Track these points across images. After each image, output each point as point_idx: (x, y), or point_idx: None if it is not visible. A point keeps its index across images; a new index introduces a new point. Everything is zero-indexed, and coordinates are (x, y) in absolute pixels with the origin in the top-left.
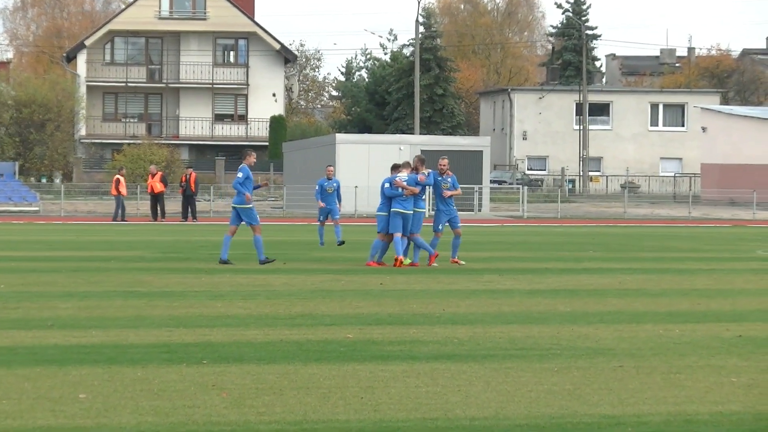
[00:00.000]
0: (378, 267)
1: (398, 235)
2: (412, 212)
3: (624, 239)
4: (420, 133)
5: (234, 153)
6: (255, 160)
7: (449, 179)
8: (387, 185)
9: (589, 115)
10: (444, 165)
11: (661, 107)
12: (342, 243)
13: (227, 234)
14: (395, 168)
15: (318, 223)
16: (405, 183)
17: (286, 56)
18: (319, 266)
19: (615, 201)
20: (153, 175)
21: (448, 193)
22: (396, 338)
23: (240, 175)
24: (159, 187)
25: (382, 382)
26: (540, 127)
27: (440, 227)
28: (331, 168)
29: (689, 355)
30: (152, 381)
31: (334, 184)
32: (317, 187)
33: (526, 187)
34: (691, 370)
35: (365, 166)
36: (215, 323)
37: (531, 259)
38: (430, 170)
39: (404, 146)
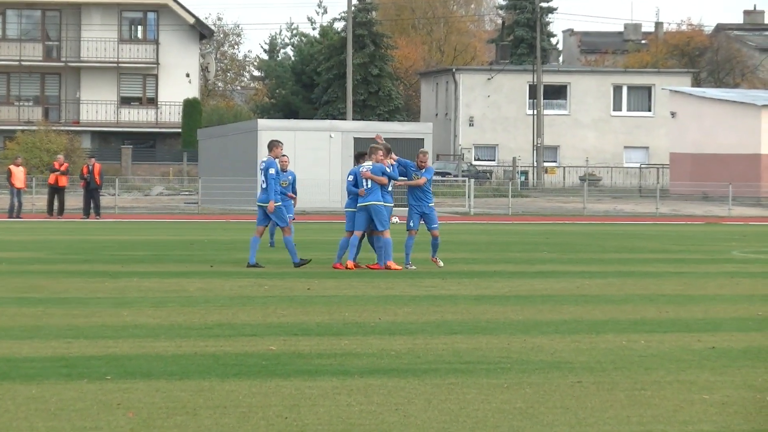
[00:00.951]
0: (345, 270)
1: (358, 233)
2: (381, 204)
3: (583, 238)
4: (353, 119)
5: (142, 141)
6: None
7: (423, 173)
8: (351, 178)
9: (544, 99)
10: (424, 161)
11: (624, 90)
12: (272, 245)
13: (255, 235)
14: (360, 157)
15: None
16: (370, 173)
17: (201, 31)
18: (239, 269)
19: (573, 195)
20: (61, 165)
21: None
22: (325, 350)
23: (272, 171)
24: (64, 180)
25: (309, 400)
26: (489, 111)
27: (412, 224)
28: (286, 158)
29: (656, 369)
30: (49, 399)
31: (289, 177)
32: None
33: (473, 180)
34: (658, 386)
35: (291, 155)
36: (121, 334)
37: (478, 261)
38: (396, 160)
39: (335, 133)
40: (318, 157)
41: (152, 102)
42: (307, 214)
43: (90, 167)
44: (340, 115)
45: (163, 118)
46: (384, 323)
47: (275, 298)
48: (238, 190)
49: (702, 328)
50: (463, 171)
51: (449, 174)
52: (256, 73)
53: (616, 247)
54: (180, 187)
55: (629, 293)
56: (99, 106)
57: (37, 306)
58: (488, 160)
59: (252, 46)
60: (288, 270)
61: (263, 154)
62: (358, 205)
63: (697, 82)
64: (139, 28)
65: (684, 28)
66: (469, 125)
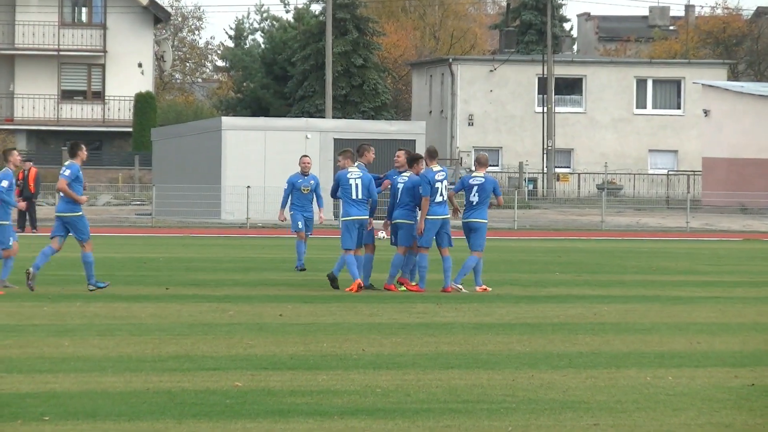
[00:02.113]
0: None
1: (351, 253)
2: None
3: (601, 257)
4: (333, 117)
5: (87, 141)
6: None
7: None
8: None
9: (555, 94)
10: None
11: (650, 84)
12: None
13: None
14: (358, 154)
15: (295, 236)
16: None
17: (156, 14)
18: (201, 291)
19: (590, 207)
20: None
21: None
22: (300, 387)
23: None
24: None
25: None
26: (491, 109)
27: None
28: (308, 159)
29: (685, 409)
30: None
31: (311, 182)
32: (287, 186)
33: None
34: (688, 430)
35: (260, 159)
36: (61, 367)
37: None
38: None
39: (312, 134)
40: (292, 161)
41: (98, 96)
42: (282, 228)
43: (25, 172)
44: (318, 113)
45: (111, 115)
46: (368, 355)
47: (242, 325)
48: (198, 200)
49: (739, 362)
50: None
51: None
52: (220, 63)
53: (639, 268)
54: (131, 196)
55: (655, 321)
56: (36, 101)
57: None
58: (491, 166)
59: (215, 32)
60: (258, 293)
61: (228, 156)
62: (350, 218)
63: (734, 75)
64: (83, 10)
65: (719, 12)
66: (469, 125)
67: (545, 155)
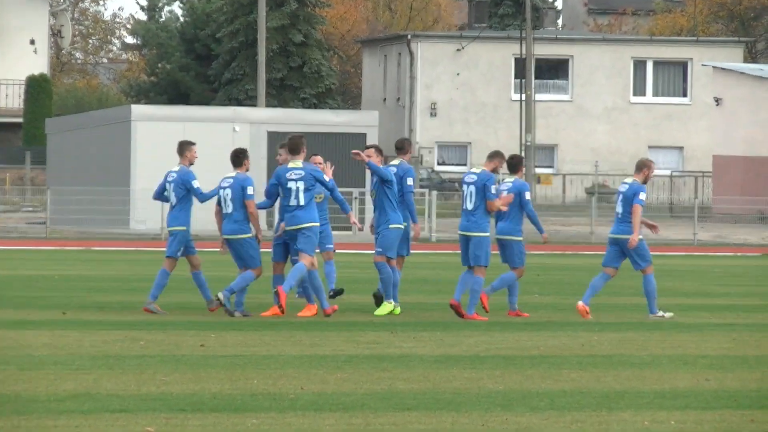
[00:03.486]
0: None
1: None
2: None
3: (590, 276)
4: (267, 105)
5: None
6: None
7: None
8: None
9: (536, 79)
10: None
11: (650, 66)
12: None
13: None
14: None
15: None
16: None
17: None
18: (105, 317)
19: (577, 214)
20: None
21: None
22: None
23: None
24: None
25: None
26: (458, 96)
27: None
28: (319, 158)
29: None
30: None
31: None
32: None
33: (434, 193)
34: None
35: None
36: None
37: (442, 306)
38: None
39: (242, 125)
40: (217, 158)
41: None
42: (202, 240)
43: None
44: (249, 100)
45: None
46: (308, 394)
47: (155, 358)
48: (103, 206)
49: (756, 404)
50: (421, 180)
51: None
52: (130, 39)
53: (636, 289)
54: (20, 201)
55: (654, 353)
56: None
57: None
58: (457, 165)
59: (124, 2)
60: (174, 318)
61: (139, 152)
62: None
63: (751, 56)
64: None
65: None
66: (431, 115)
67: (523, 152)
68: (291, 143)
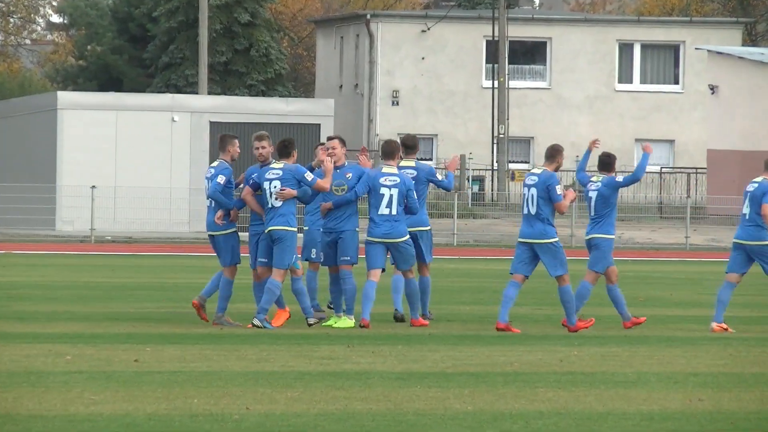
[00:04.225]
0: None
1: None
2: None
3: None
4: (210, 92)
5: None
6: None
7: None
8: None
9: (510, 64)
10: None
11: (637, 50)
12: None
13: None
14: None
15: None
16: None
17: None
18: (27, 328)
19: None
20: None
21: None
22: None
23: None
24: None
25: None
26: (423, 83)
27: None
28: (335, 144)
29: None
30: None
31: (349, 175)
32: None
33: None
34: None
35: (111, 147)
36: None
37: (404, 317)
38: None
39: (181, 115)
40: (154, 152)
41: None
42: (137, 243)
43: None
44: (189, 87)
45: None
46: (254, 415)
47: (83, 374)
48: (25, 205)
49: (755, 426)
50: None
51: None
52: (56, 18)
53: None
54: None
55: (641, 371)
56: None
57: None
58: (422, 160)
59: None
60: (105, 330)
61: (66, 145)
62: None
63: (750, 39)
64: None
65: None
66: (393, 104)
67: (496, 146)
68: (280, 146)
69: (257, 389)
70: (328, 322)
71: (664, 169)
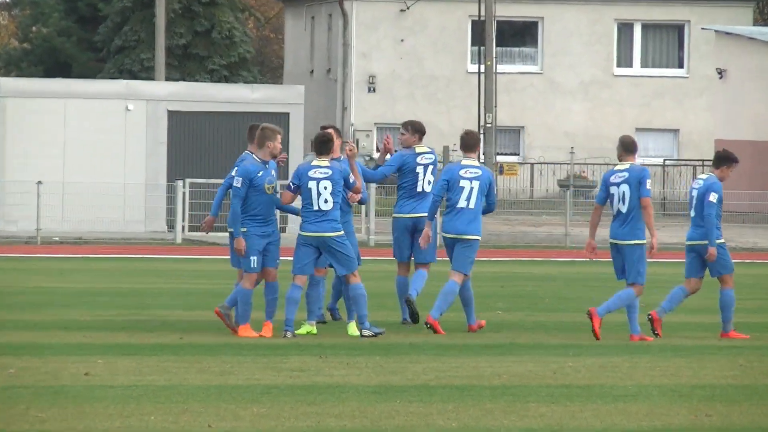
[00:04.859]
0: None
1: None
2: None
3: (565, 287)
4: (168, 78)
5: None
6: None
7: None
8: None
9: (498, 46)
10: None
11: (638, 30)
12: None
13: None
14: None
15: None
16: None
17: None
18: None
19: (549, 212)
20: None
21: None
22: None
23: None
24: None
25: None
26: (403, 67)
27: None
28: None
29: None
30: None
31: (344, 169)
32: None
33: (374, 187)
34: None
35: (60, 138)
36: None
37: (382, 326)
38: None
39: (136, 103)
40: (106, 144)
41: None
42: (88, 244)
43: None
44: (144, 72)
45: None
46: None
47: (28, 389)
48: None
49: None
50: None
51: None
52: None
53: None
54: None
55: (643, 383)
56: None
57: None
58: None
59: None
60: (53, 340)
61: (9, 136)
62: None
63: (762, 18)
64: None
65: None
66: (369, 90)
67: (482, 136)
68: (320, 141)
69: (220, 405)
70: (301, 331)
71: (667, 162)
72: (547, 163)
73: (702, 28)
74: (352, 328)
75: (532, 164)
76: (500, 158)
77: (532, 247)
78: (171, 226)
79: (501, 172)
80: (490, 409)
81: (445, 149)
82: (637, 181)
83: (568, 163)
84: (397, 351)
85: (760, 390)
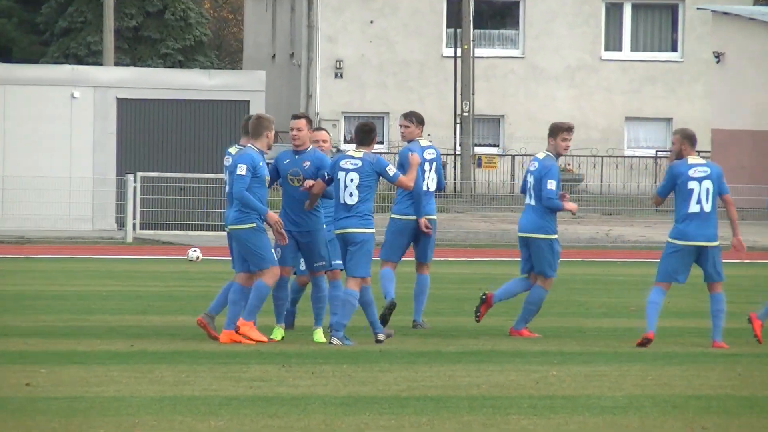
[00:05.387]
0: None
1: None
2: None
3: (554, 291)
4: (117, 63)
5: None
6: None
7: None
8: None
9: (476, 28)
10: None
11: (627, 11)
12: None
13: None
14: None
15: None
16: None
17: None
18: None
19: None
20: None
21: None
22: None
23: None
24: None
25: None
26: (372, 51)
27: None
28: (302, 124)
29: None
30: None
31: (307, 164)
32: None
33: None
34: None
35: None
36: None
37: (351, 331)
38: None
39: (83, 90)
40: (50, 134)
41: None
42: (30, 244)
43: None
44: (92, 57)
45: None
46: None
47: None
48: None
49: None
50: None
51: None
52: None
53: (609, 308)
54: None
55: (633, 393)
56: None
57: None
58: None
59: None
60: None
61: None
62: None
63: None
64: None
65: None
66: (336, 76)
67: (459, 126)
68: (362, 131)
69: (175, 417)
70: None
71: (659, 153)
72: (530, 155)
73: (697, 8)
74: (319, 335)
75: (513, 156)
76: (478, 150)
77: (513, 247)
78: (121, 223)
79: (479, 165)
80: (467, 422)
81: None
82: (719, 177)
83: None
84: (366, 359)
85: (760, 401)
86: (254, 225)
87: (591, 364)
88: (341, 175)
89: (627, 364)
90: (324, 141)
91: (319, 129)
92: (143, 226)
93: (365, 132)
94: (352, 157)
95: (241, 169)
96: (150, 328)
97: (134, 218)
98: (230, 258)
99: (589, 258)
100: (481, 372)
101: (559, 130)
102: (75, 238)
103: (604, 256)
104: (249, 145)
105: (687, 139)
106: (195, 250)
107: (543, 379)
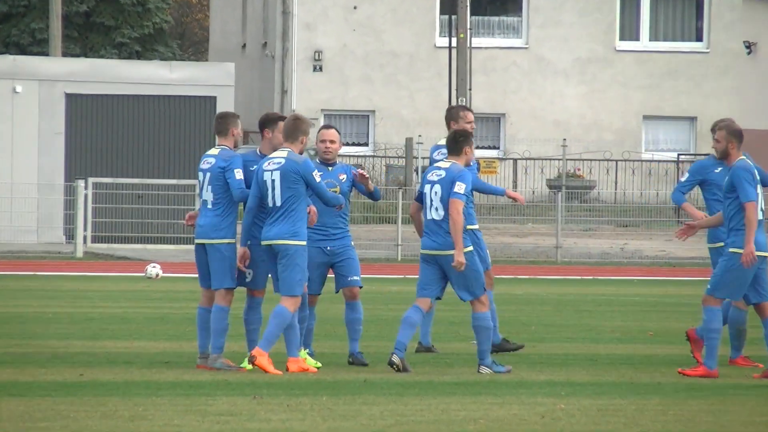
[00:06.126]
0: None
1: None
2: None
3: (555, 313)
4: (66, 54)
5: None
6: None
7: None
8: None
9: (473, 15)
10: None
11: None
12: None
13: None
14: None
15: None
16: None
17: None
18: None
19: (536, 220)
20: None
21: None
22: None
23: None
24: None
25: None
26: (356, 41)
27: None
28: (334, 136)
29: None
30: None
31: (343, 176)
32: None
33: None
34: None
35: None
36: None
37: (334, 359)
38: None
39: (26, 83)
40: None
41: None
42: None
43: None
44: (36, 46)
45: None
46: None
47: None
48: None
49: None
50: None
51: None
52: None
53: (624, 332)
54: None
55: (651, 430)
56: None
57: None
58: (356, 145)
59: None
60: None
61: None
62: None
63: None
64: None
65: None
66: (315, 69)
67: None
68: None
69: None
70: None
71: (682, 157)
72: (534, 159)
73: None
74: (304, 359)
75: (515, 160)
76: (476, 153)
77: (515, 262)
78: (70, 236)
79: (478, 170)
80: None
81: (408, 141)
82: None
83: (559, 159)
84: (348, 390)
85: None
86: (304, 243)
87: (603, 397)
88: (426, 188)
89: (644, 397)
90: (332, 142)
91: (328, 127)
92: (95, 239)
93: (455, 140)
94: (438, 168)
95: (239, 174)
96: (102, 355)
97: (85, 230)
98: (197, 275)
99: (602, 275)
100: (478, 405)
101: None
102: (17, 253)
103: (618, 273)
104: (289, 149)
105: (734, 136)
106: (154, 267)
107: (549, 413)
